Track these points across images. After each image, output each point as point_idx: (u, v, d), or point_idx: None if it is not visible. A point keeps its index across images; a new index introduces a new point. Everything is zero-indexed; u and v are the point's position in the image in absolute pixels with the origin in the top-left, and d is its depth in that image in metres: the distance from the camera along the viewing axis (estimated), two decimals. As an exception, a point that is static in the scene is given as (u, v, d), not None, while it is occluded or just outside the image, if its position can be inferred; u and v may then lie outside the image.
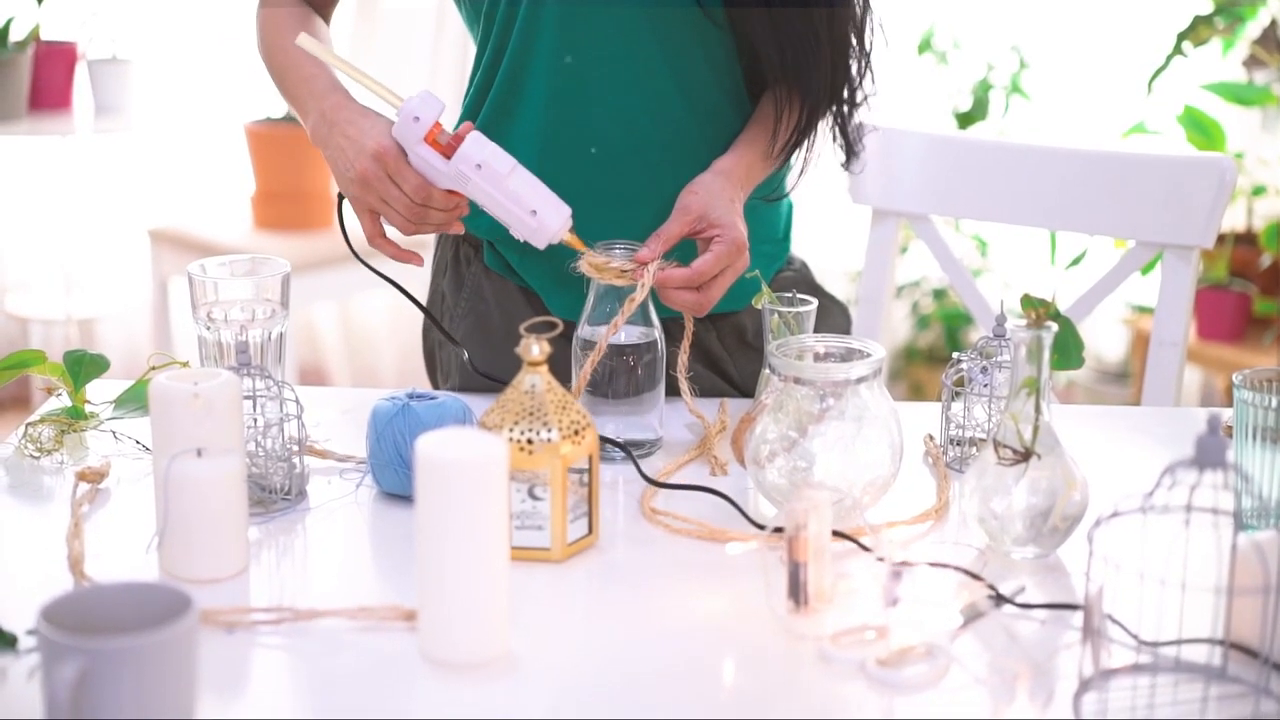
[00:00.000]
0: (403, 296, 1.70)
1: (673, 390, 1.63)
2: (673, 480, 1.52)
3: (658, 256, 1.54)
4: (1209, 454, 1.10)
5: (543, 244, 1.55)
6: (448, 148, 1.52)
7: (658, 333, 1.57)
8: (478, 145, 1.52)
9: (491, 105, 1.70)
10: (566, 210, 1.55)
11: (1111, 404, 3.84)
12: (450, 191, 1.55)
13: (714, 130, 1.70)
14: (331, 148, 1.60)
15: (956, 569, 1.31)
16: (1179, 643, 1.17)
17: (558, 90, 1.67)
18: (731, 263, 1.56)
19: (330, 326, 4.26)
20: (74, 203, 4.16)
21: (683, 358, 1.61)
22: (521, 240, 1.56)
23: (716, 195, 1.59)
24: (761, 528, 1.38)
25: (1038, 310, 1.32)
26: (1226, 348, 3.67)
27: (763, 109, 1.72)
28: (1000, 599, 1.26)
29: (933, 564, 1.32)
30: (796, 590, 1.24)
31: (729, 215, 1.57)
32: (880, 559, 1.30)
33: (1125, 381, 4.05)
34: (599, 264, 1.54)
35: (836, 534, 1.33)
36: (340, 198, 1.67)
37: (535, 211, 1.53)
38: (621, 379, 1.56)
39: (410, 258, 1.63)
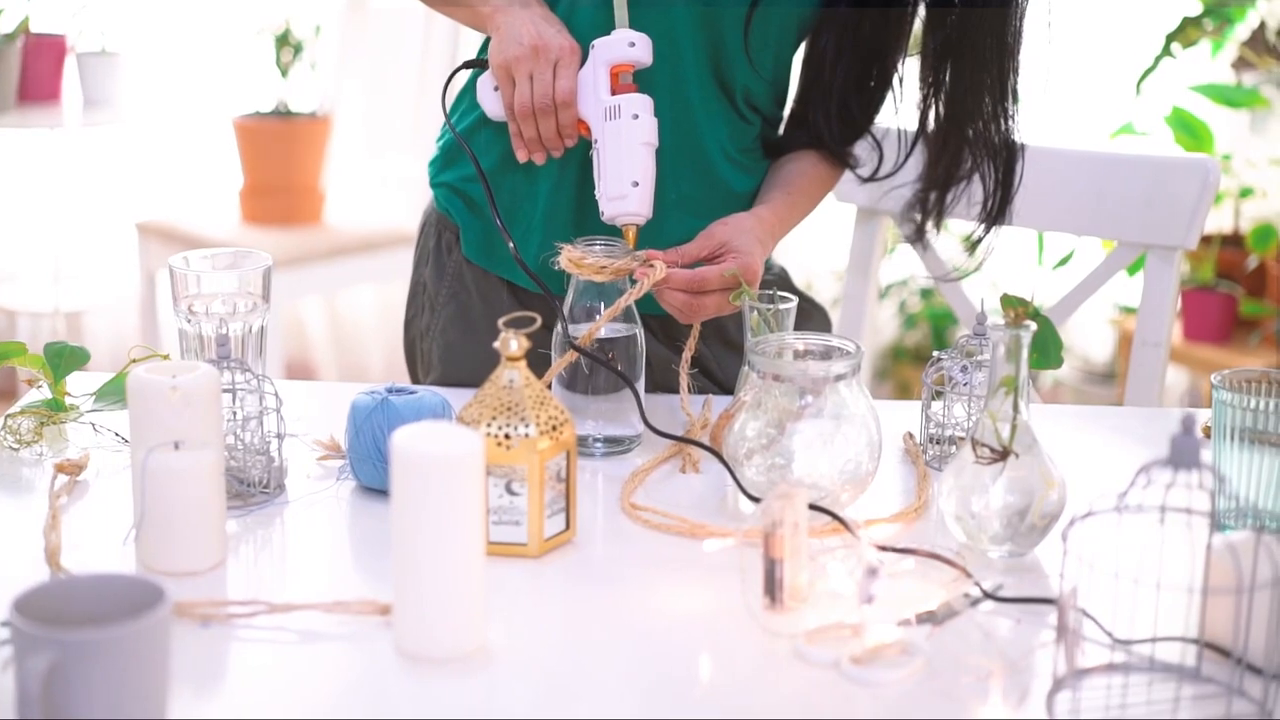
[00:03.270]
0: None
1: (660, 388, 1.63)
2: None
3: (669, 261, 1.56)
4: (1183, 454, 1.10)
5: (610, 215, 1.59)
6: (621, 86, 1.58)
7: (638, 328, 1.57)
8: (644, 103, 1.58)
9: None
10: (650, 212, 1.59)
11: (1097, 404, 3.84)
12: (579, 126, 1.59)
13: (712, 127, 1.71)
14: (514, 15, 1.60)
15: (935, 555, 1.31)
16: (1153, 640, 1.17)
17: None
18: (735, 285, 1.56)
19: (317, 321, 4.26)
20: (62, 196, 4.16)
21: (686, 354, 1.61)
22: (597, 197, 1.60)
23: (746, 232, 1.61)
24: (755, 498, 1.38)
25: (1016, 309, 1.32)
26: (1213, 349, 3.68)
27: (815, 171, 1.77)
28: (986, 594, 1.26)
29: (906, 550, 1.32)
30: (772, 587, 1.24)
31: (750, 246, 1.60)
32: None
33: (1111, 382, 4.05)
34: (578, 259, 1.54)
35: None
36: (457, 71, 1.70)
37: (636, 184, 1.58)
38: (601, 374, 1.55)
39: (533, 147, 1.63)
